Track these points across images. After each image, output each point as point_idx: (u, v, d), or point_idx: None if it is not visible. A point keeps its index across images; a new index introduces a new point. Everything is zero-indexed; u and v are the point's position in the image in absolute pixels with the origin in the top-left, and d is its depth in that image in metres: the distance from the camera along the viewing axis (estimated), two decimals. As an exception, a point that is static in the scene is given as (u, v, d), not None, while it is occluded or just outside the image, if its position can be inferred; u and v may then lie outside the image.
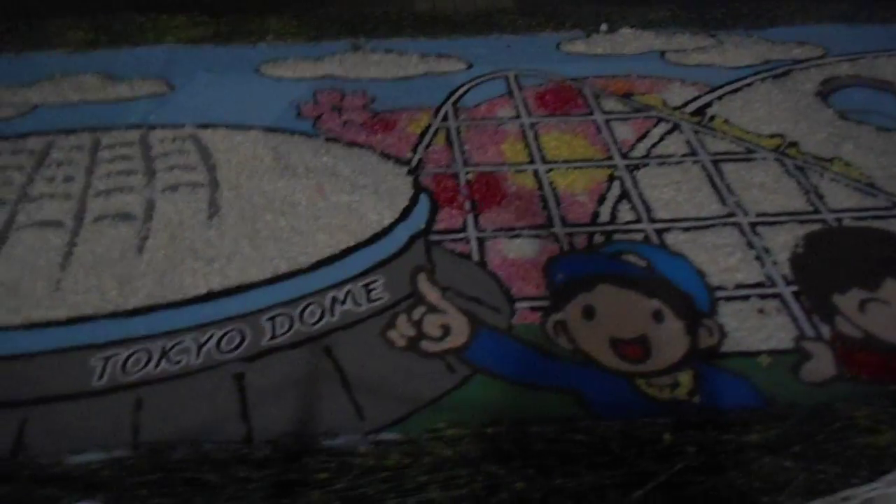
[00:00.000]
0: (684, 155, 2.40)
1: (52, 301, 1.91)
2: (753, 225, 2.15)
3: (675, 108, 2.62)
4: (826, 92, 2.71)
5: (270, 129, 2.51)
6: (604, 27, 3.05)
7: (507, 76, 2.78)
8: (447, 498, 1.46)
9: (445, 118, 2.57)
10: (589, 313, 1.88)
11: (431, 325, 1.85)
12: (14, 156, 2.41)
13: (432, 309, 1.89)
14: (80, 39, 2.96)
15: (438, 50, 2.93)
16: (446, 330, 1.84)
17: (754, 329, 1.84)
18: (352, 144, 2.45)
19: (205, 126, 2.52)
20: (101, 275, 1.98)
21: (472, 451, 1.55)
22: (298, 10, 3.15)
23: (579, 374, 1.74)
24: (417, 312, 1.88)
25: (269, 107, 2.62)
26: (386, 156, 2.40)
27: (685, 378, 1.74)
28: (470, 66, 2.84)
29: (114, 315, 1.88)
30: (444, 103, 2.63)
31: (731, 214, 2.18)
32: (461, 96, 2.67)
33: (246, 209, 2.19)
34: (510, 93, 2.69)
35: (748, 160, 2.39)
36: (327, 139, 2.47)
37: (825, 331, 1.84)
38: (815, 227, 2.13)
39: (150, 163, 2.37)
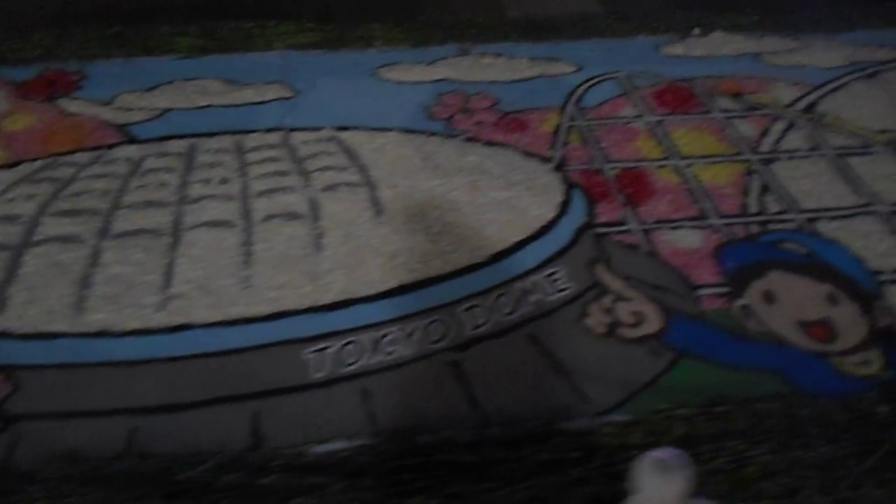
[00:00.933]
0: (810, 149, 2.53)
1: (248, 298, 1.94)
2: (892, 213, 2.27)
3: (786, 106, 2.75)
4: (920, 89, 2.87)
5: (407, 131, 2.57)
6: (696, 31, 3.17)
7: (617, 77, 2.88)
8: (699, 473, 1.54)
9: (572, 118, 2.65)
10: (769, 298, 1.97)
11: (624, 313, 1.93)
12: (160, 158, 2.43)
13: (621, 297, 1.97)
14: (189, 45, 2.98)
15: (545, 53, 3.02)
16: (639, 317, 1.92)
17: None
18: (491, 143, 2.52)
19: (341, 128, 2.57)
20: (290, 271, 2.01)
21: (708, 428, 1.63)
22: (399, 17, 3.20)
23: (778, 355, 1.83)
24: (607, 301, 1.96)
25: (398, 109, 2.68)
26: (528, 154, 2.48)
27: (875, 355, 1.84)
28: (580, 69, 2.93)
29: (313, 310, 1.92)
30: (565, 103, 2.72)
31: (868, 204, 2.31)
32: (580, 97, 2.76)
33: (410, 207, 2.24)
34: (626, 93, 2.79)
35: (867, 154, 2.53)
36: (466, 139, 2.54)
37: None
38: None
39: (300, 164, 2.41)
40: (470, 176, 2.36)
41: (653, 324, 1.90)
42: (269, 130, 2.56)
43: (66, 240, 2.10)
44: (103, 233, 2.13)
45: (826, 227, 2.21)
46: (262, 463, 1.55)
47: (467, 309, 1.93)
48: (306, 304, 1.93)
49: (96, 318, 1.88)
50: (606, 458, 1.55)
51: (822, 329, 1.89)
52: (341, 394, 1.73)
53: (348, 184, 2.33)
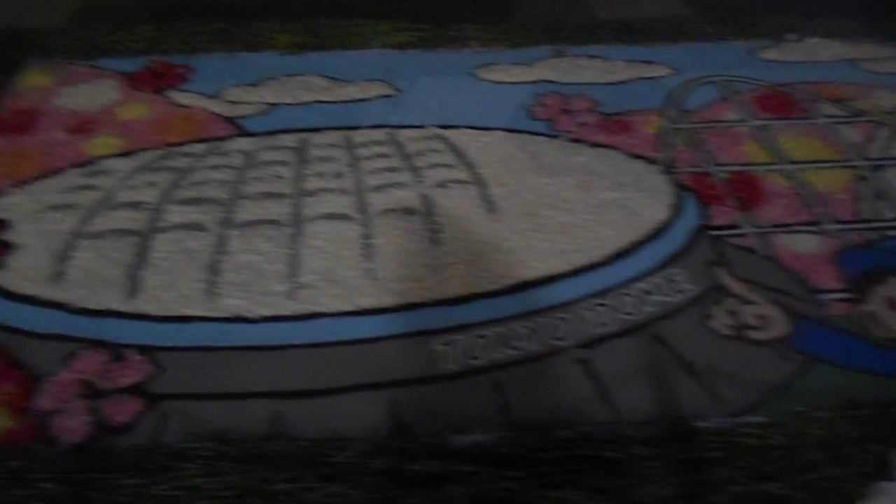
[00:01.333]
0: (921, 157, 2.50)
1: (374, 289, 1.97)
2: None
3: (888, 113, 2.71)
4: None
5: (511, 130, 2.60)
6: (792, 36, 3.15)
7: (715, 81, 2.87)
8: (843, 473, 1.53)
9: (675, 121, 2.65)
10: (894, 305, 1.95)
11: (749, 316, 1.92)
12: (274, 152, 2.48)
13: (744, 300, 1.96)
14: (289, 42, 3.04)
15: (639, 56, 3.02)
16: (765, 320, 1.91)
17: None
18: (596, 144, 2.53)
19: (446, 127, 2.61)
20: (411, 265, 2.05)
21: (850, 431, 1.62)
22: (492, 19, 3.24)
23: (910, 362, 1.82)
24: (730, 303, 1.96)
25: (499, 109, 2.70)
26: (634, 155, 2.49)
27: None
28: (676, 72, 2.92)
29: (439, 303, 1.95)
30: (666, 106, 2.72)
31: None
32: (681, 100, 2.76)
33: (522, 205, 2.26)
34: (726, 97, 2.78)
35: (978, 163, 2.49)
36: (571, 139, 2.55)
37: None
38: None
39: (409, 160, 2.44)
40: (579, 176, 2.37)
41: (779, 327, 1.89)
42: (375, 127, 2.61)
43: (191, 227, 2.16)
44: (226, 222, 2.19)
45: (945, 236, 2.18)
46: (409, 449, 1.58)
47: (591, 308, 1.94)
48: (430, 296, 1.96)
49: (229, 304, 1.93)
50: (751, 459, 1.55)
51: (953, 338, 1.87)
52: (475, 386, 1.75)
53: (458, 181, 2.35)
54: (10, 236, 2.13)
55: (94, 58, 2.93)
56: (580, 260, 2.08)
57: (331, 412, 1.68)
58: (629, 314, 1.93)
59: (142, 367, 1.77)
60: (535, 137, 2.57)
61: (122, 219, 2.19)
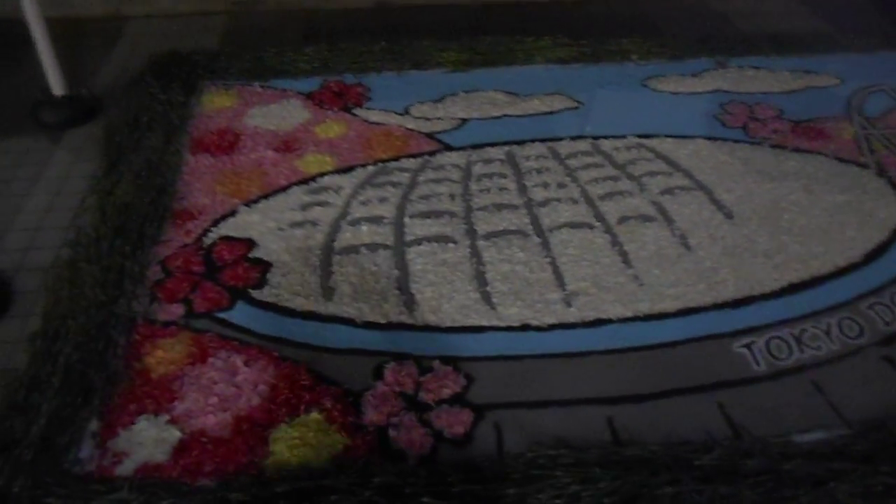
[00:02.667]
0: None
1: (650, 294, 1.96)
2: None
3: None
4: None
5: (710, 138, 2.62)
6: (941, 45, 3.23)
7: (885, 89, 2.93)
8: None
9: (864, 126, 2.69)
10: None
11: None
12: (487, 164, 2.48)
13: None
14: (455, 59, 3.06)
15: (800, 66, 3.07)
16: None
17: None
18: (799, 150, 2.56)
19: (643, 136, 2.63)
20: (674, 270, 2.04)
21: None
22: (647, 33, 3.29)
23: None
24: None
25: (689, 118, 2.73)
26: (841, 160, 2.52)
27: None
28: (842, 81, 2.98)
29: (719, 306, 1.94)
30: (850, 113, 2.77)
31: None
32: (861, 107, 2.81)
33: (757, 209, 2.27)
34: (900, 103, 2.84)
35: None
36: (771, 145, 2.58)
37: None
38: None
39: (622, 169, 2.46)
40: (799, 180, 2.40)
41: None
42: (575, 138, 2.62)
43: (440, 239, 2.15)
44: (472, 234, 2.17)
45: None
46: (782, 450, 1.55)
47: (871, 307, 1.95)
48: (710, 301, 1.96)
49: (511, 313, 1.91)
50: None
51: None
52: (793, 386, 1.74)
53: (682, 188, 2.37)
54: (261, 254, 2.10)
55: (268, 78, 2.93)
56: (839, 261, 2.09)
57: (663, 415, 1.66)
58: (908, 312, 1.94)
59: (456, 378, 1.74)
60: (738, 144, 2.59)
61: (369, 233, 2.17)
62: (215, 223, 2.21)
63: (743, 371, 1.78)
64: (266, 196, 2.32)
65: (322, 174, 2.42)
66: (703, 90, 2.91)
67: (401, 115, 2.74)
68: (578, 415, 1.67)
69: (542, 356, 1.81)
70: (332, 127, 2.65)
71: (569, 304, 1.94)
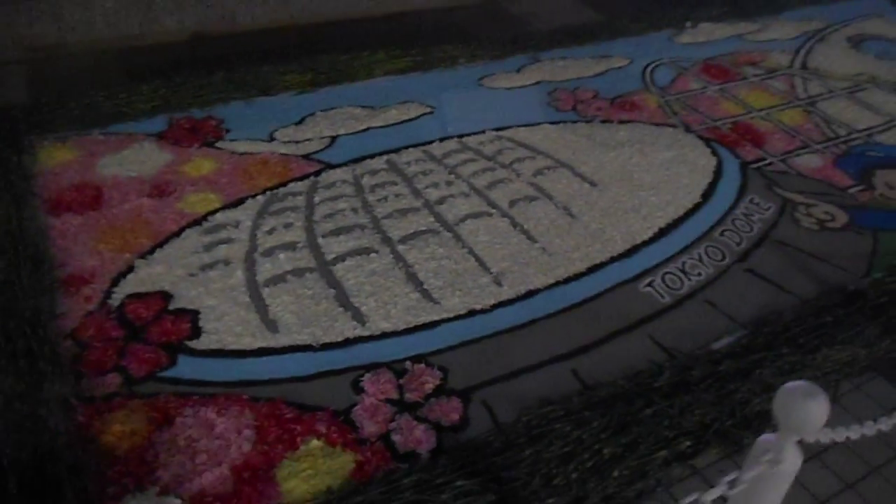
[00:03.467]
0: (829, 92, 3.36)
1: (562, 261, 2.21)
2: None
3: (788, 67, 3.58)
4: (855, 42, 3.89)
5: (553, 122, 2.96)
6: (688, 24, 3.94)
7: (665, 63, 3.52)
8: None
9: (661, 95, 3.23)
10: (891, 186, 2.69)
11: (820, 213, 2.52)
12: (374, 175, 2.56)
13: (808, 205, 2.56)
14: (299, 81, 3.07)
15: (597, 52, 3.57)
16: (830, 214, 2.52)
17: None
18: (623, 122, 3.00)
19: (499, 129, 2.89)
20: (570, 236, 2.32)
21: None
22: (463, 38, 3.57)
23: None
24: (801, 209, 2.54)
25: (528, 107, 3.06)
26: (656, 125, 3.00)
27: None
28: (632, 61, 3.52)
29: (615, 259, 2.25)
30: (646, 86, 3.30)
31: (891, 119, 3.15)
32: (651, 80, 3.35)
33: (612, 175, 2.64)
34: (681, 74, 3.43)
35: (863, 90, 3.41)
36: (601, 121, 3.00)
37: None
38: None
39: (494, 160, 2.69)
40: (633, 146, 2.82)
41: (841, 217, 2.51)
42: (443, 139, 2.80)
43: (361, 252, 2.20)
44: (388, 241, 2.26)
45: (880, 138, 3.01)
46: (710, 358, 1.88)
47: (721, 234, 2.39)
48: (608, 255, 2.26)
49: (455, 304, 2.04)
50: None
51: None
52: (694, 307, 2.09)
53: (548, 167, 2.67)
54: (182, 304, 1.98)
55: (107, 124, 2.71)
56: (686, 204, 2.52)
57: (610, 356, 1.91)
58: (750, 232, 2.41)
59: (432, 373, 1.82)
60: (575, 124, 2.97)
61: (288, 260, 2.15)
62: (114, 283, 2.04)
63: (654, 305, 2.10)
64: (160, 245, 2.18)
65: (212, 212, 2.33)
66: (529, 83, 3.26)
67: (268, 141, 2.71)
68: (547, 374, 1.85)
69: (496, 334, 1.97)
70: (202, 164, 2.55)
71: (500, 284, 2.12)
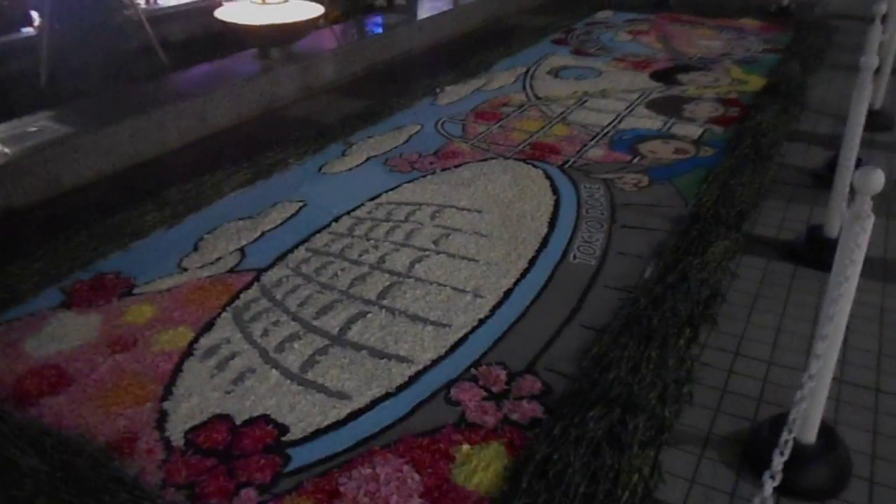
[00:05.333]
0: (567, 109, 4.42)
1: (504, 273, 2.68)
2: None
3: (528, 101, 4.61)
4: (555, 73, 5.12)
5: (411, 181, 3.43)
6: (438, 90, 4.77)
7: (445, 120, 4.25)
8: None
9: (466, 141, 3.93)
10: (655, 152, 3.74)
11: (631, 179, 3.40)
12: (313, 260, 2.72)
13: (619, 176, 3.43)
14: (161, 218, 3.06)
15: (395, 125, 4.15)
16: (638, 178, 3.42)
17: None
18: (456, 166, 3.60)
19: (371, 199, 3.26)
20: (496, 253, 2.80)
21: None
22: (278, 143, 3.86)
23: (666, 170, 3.60)
24: (617, 181, 3.39)
25: (379, 177, 3.48)
26: (482, 160, 3.67)
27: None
28: (422, 126, 4.18)
29: (535, 259, 2.79)
30: (452, 138, 3.97)
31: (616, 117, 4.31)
32: (447, 132, 4.05)
33: (486, 201, 3.20)
34: (464, 123, 4.19)
35: (584, 102, 4.56)
36: (442, 170, 3.55)
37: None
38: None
39: (392, 219, 3.05)
40: (480, 178, 3.44)
41: (644, 180, 3.43)
42: (336, 219, 3.07)
43: (358, 318, 2.39)
44: (370, 302, 2.48)
45: (621, 126, 4.11)
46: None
47: (587, 210, 3.10)
48: (531, 257, 2.80)
49: (461, 320, 2.37)
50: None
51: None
52: (613, 260, 2.73)
53: (437, 211, 3.13)
54: (245, 416, 1.98)
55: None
56: (551, 199, 3.20)
57: (581, 337, 2.43)
58: (601, 205, 3.16)
59: (497, 370, 2.14)
60: (425, 178, 3.47)
61: (306, 346, 2.25)
62: (161, 429, 1.95)
63: (588, 270, 2.68)
64: (172, 383, 2.10)
65: (193, 341, 2.29)
66: (361, 161, 3.69)
67: (183, 271, 2.70)
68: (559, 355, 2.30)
69: (517, 320, 2.37)
70: (141, 310, 2.46)
71: (480, 296, 2.51)
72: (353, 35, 5.68)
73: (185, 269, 2.72)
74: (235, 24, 4.25)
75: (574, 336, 2.31)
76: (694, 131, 4.01)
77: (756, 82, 4.81)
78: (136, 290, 2.59)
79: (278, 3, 4.40)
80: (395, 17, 6.21)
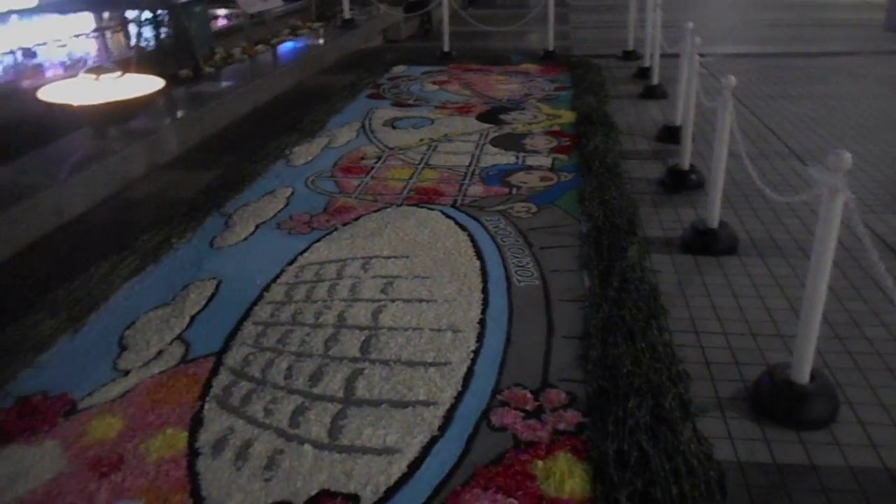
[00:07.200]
0: (423, 155, 4.65)
1: (460, 315, 2.77)
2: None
3: (383, 152, 4.75)
4: (392, 124, 5.34)
5: (315, 241, 3.35)
6: (288, 152, 4.71)
7: (312, 179, 4.22)
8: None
9: (349, 195, 3.94)
10: (517, 185, 4.11)
11: (519, 209, 3.71)
12: (270, 333, 2.54)
13: (508, 207, 3.72)
14: (61, 323, 2.64)
15: (264, 191, 4.01)
16: (526, 207, 3.74)
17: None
18: (355, 218, 3.61)
19: (289, 263, 3.13)
20: (448, 288, 2.89)
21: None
22: (153, 225, 3.51)
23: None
24: (508, 211, 3.68)
25: (283, 241, 3.36)
26: (375, 210, 3.71)
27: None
28: (293, 188, 4.10)
29: (485, 288, 2.93)
30: (328, 194, 3.96)
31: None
32: (323, 189, 4.02)
33: (406, 246, 3.27)
34: (333, 179, 4.20)
35: (435, 147, 4.84)
36: (343, 225, 3.53)
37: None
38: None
39: (324, 277, 2.97)
40: (387, 226, 3.49)
41: (532, 207, 3.75)
42: (267, 289, 2.91)
43: (356, 376, 2.32)
44: (356, 359, 2.42)
45: (484, 161, 4.44)
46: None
47: (503, 239, 3.33)
48: (479, 287, 2.93)
49: (463, 354, 2.41)
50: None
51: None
52: (514, 242, 2.97)
53: (365, 263, 3.13)
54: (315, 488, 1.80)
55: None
56: (461, 232, 3.37)
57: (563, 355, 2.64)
58: (506, 231, 3.41)
59: (521, 391, 2.22)
60: (331, 235, 3.43)
61: (322, 413, 2.15)
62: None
63: (538, 291, 2.89)
64: (195, 490, 1.86)
65: (191, 442, 2.03)
66: (251, 230, 3.51)
67: (126, 374, 2.36)
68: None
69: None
70: (102, 424, 2.12)
71: (457, 331, 2.58)
72: (186, 105, 5.38)
73: (128, 372, 2.38)
74: (68, 105, 3.79)
75: (564, 347, 2.49)
76: (545, 161, 4.49)
77: (568, 115, 5.51)
78: (80, 406, 2.22)
79: (115, 77, 4.02)
80: (214, 85, 5.98)
